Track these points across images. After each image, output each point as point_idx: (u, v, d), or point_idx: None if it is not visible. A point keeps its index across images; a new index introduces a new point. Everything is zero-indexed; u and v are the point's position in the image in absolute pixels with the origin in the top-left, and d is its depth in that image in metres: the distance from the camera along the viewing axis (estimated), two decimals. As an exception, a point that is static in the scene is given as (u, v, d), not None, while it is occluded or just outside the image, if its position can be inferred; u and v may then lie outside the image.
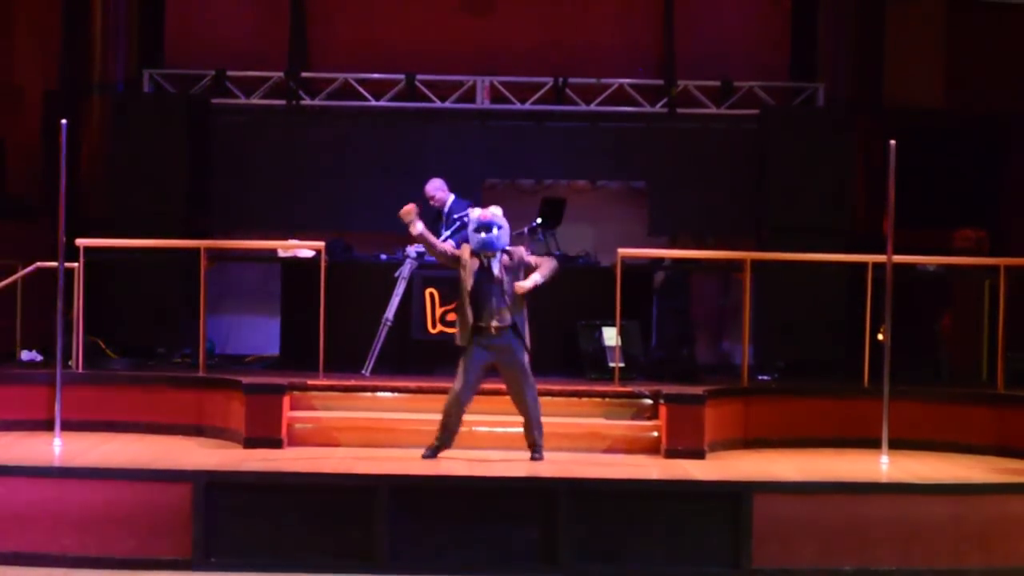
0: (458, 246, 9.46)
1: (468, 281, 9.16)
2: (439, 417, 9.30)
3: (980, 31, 14.05)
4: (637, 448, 9.93)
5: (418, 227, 9.23)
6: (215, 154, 13.72)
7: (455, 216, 11.26)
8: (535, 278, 9.17)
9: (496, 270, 9.14)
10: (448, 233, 11.17)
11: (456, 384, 9.22)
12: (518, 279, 9.16)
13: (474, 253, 9.20)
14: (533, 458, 9.25)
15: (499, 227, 9.15)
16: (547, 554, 8.28)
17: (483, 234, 9.13)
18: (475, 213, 9.30)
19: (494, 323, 9.11)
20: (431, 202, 11.90)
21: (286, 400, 9.98)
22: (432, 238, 9.33)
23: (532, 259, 9.29)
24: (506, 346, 9.15)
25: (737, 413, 10.40)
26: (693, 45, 14.04)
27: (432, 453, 9.27)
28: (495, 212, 9.22)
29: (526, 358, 9.23)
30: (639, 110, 14.09)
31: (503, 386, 9.34)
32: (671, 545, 8.30)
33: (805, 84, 14.16)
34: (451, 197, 11.95)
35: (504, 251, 9.20)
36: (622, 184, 14.53)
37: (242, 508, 8.34)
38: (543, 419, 9.35)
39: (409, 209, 9.27)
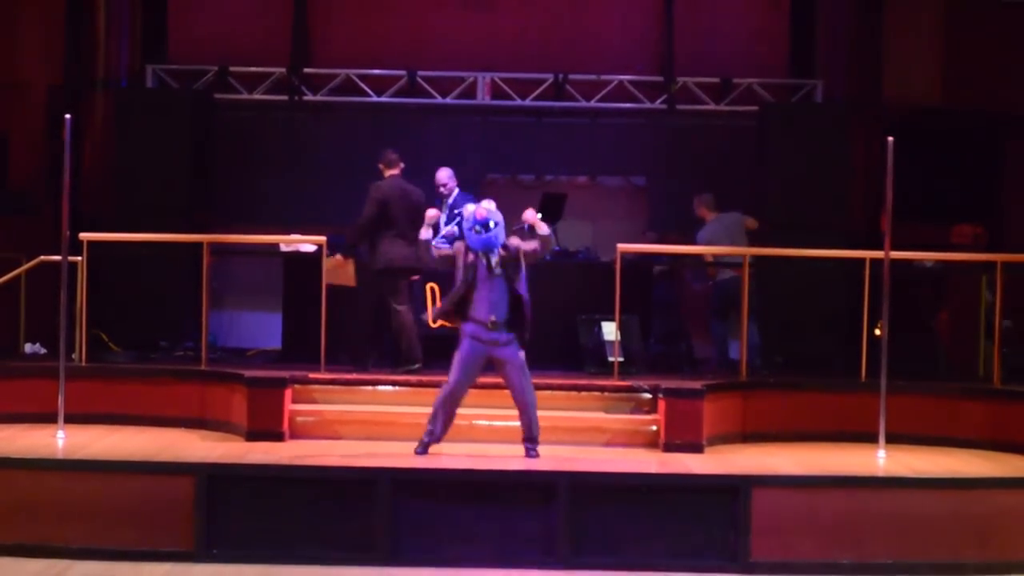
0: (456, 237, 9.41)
1: (466, 277, 9.02)
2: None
3: (979, 28, 14.02)
4: (636, 442, 9.94)
5: (427, 233, 9.22)
6: (217, 149, 13.72)
7: (456, 211, 11.27)
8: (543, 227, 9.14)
9: (495, 266, 9.03)
10: (449, 227, 11.22)
11: (451, 378, 9.12)
12: (518, 271, 9.03)
13: (470, 249, 9.06)
14: (529, 455, 9.16)
15: (496, 223, 8.94)
16: (547, 547, 8.28)
17: (482, 233, 8.92)
18: (470, 210, 9.09)
19: (492, 318, 9.03)
20: (440, 190, 11.90)
21: (288, 393, 9.98)
22: (432, 247, 9.22)
23: (526, 245, 9.16)
24: (502, 341, 9.07)
25: (735, 407, 10.40)
26: (692, 42, 14.03)
27: (424, 449, 9.18)
28: (490, 208, 9.00)
29: (522, 354, 9.13)
30: (639, 107, 14.09)
31: (501, 379, 9.30)
32: (670, 538, 8.31)
33: (804, 81, 14.16)
34: (456, 190, 11.94)
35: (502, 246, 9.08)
36: (622, 180, 14.54)
37: (244, 500, 8.35)
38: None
39: (435, 215, 9.39)
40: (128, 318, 12.65)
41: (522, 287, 9.06)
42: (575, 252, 12.51)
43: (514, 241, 9.13)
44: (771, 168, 13.12)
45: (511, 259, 9.04)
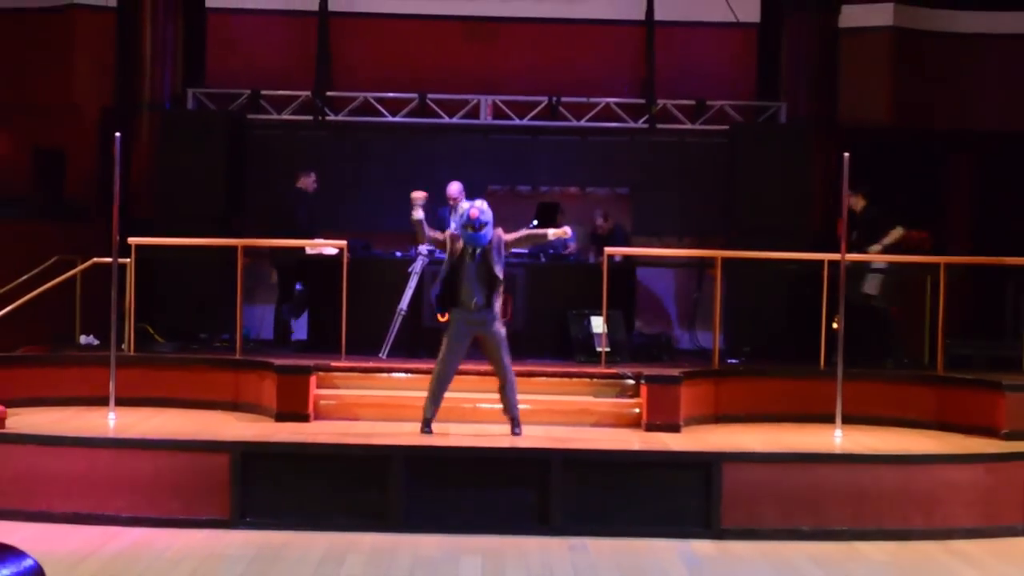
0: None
1: (453, 263, 9.01)
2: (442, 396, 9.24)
3: (923, 57, 14.06)
4: (621, 423, 9.94)
5: (419, 214, 9.19)
6: (250, 163, 13.73)
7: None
8: (554, 231, 9.25)
9: (478, 254, 8.99)
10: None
11: (442, 355, 9.13)
12: (500, 258, 9.01)
13: (458, 240, 9.03)
14: (513, 433, 9.13)
15: (487, 223, 8.91)
16: (541, 516, 8.29)
17: (472, 231, 8.89)
18: (463, 207, 9.05)
19: (475, 300, 9.02)
20: (450, 202, 11.90)
21: (312, 380, 10.00)
22: (425, 227, 9.17)
23: (510, 236, 9.16)
24: (486, 320, 9.04)
25: (709, 392, 10.41)
26: (671, 68, 14.02)
27: (427, 427, 9.14)
28: (482, 208, 8.93)
29: (503, 331, 9.14)
30: (623, 125, 14.08)
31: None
32: (651, 508, 8.32)
33: (769, 103, 14.17)
34: (465, 202, 11.90)
35: None
36: (608, 190, 14.54)
37: (274, 474, 8.37)
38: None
39: (421, 196, 9.22)
40: (171, 313, 12.67)
41: (499, 270, 9.04)
42: (567, 254, 12.51)
43: (498, 232, 9.11)
44: (740, 180, 13.13)
45: (496, 248, 9.03)
